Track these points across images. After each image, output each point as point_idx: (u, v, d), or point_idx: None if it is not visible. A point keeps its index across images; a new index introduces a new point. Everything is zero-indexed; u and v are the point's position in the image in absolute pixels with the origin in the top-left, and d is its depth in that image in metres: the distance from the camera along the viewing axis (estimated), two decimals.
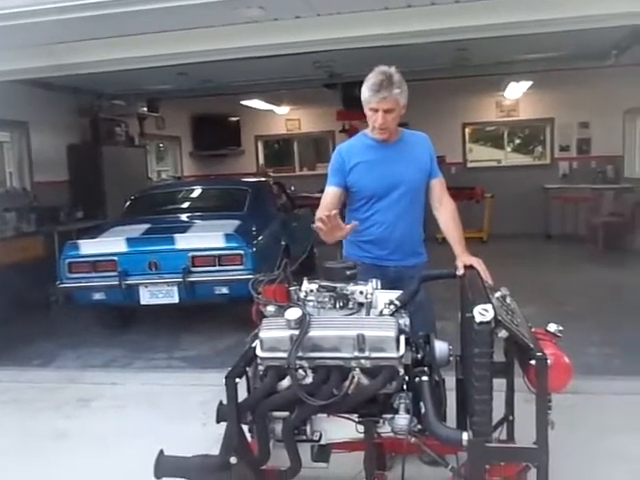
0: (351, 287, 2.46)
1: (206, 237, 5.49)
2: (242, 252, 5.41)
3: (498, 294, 2.47)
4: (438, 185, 3.19)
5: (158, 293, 5.51)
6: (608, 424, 3.63)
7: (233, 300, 5.47)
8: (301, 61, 6.29)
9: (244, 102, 11.40)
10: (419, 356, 2.36)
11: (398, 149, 3.12)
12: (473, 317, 2.05)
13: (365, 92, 2.94)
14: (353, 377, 2.18)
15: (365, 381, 2.19)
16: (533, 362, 2.05)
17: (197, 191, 7.38)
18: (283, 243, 6.46)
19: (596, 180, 11.32)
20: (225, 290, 5.42)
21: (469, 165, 12.55)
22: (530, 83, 10.13)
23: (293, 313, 2.23)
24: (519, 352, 2.26)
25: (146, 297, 5.53)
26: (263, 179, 7.77)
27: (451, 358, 2.46)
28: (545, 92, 11.27)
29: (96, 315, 6.29)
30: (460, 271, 2.80)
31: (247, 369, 2.31)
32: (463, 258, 2.85)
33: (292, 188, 9.16)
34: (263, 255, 5.57)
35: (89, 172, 8.89)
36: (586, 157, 11.87)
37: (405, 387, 2.25)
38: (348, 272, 2.48)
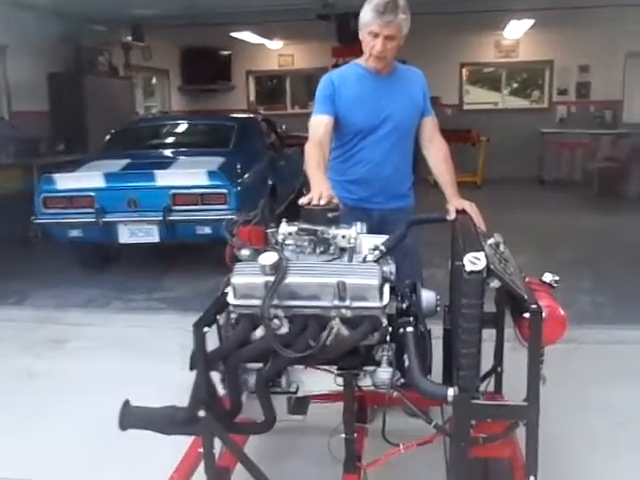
0: (333, 231, 2.27)
1: (188, 174, 5.25)
2: (226, 191, 5.18)
3: (491, 241, 2.30)
4: (430, 123, 2.96)
5: (138, 232, 5.31)
6: (597, 375, 3.53)
7: (216, 240, 5.21)
8: None
9: (234, 34, 10.96)
10: (404, 306, 2.19)
11: (391, 82, 2.88)
12: (463, 265, 1.87)
13: (367, 13, 2.65)
14: (332, 327, 2.01)
15: (345, 332, 2.02)
16: (527, 315, 1.89)
17: (182, 126, 7.06)
18: (270, 182, 6.23)
19: (594, 125, 11.13)
20: (208, 230, 5.22)
21: (465, 107, 12.25)
22: (532, 22, 9.72)
23: (268, 257, 2.03)
24: (511, 303, 2.10)
25: (125, 236, 5.33)
26: (251, 115, 7.46)
27: (438, 308, 2.30)
28: (545, 33, 10.90)
29: (75, 253, 6.07)
30: (451, 215, 2.62)
31: (218, 317, 2.14)
32: (454, 202, 2.66)
33: (283, 127, 8.88)
34: (248, 194, 5.35)
35: (71, 103, 8.53)
36: (585, 101, 11.68)
37: (388, 338, 2.09)
38: (330, 215, 2.28)
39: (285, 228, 2.31)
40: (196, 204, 5.21)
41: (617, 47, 10.42)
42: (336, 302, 2.00)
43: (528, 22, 9.76)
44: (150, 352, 4.01)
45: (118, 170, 5.45)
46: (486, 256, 1.90)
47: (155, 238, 5.32)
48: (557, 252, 6.30)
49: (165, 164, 5.60)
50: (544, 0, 7.90)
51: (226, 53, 12.60)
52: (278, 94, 13.88)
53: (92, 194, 5.25)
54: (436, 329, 2.36)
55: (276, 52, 12.73)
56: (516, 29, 10.54)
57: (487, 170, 11.19)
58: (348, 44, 7.52)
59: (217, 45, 12.17)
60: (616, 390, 3.33)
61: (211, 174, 5.17)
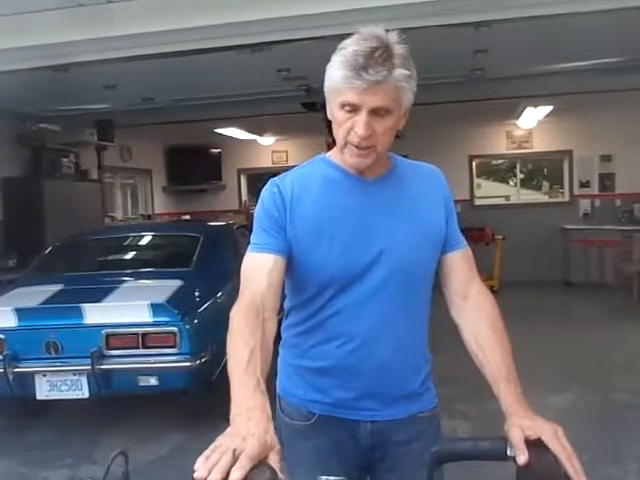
0: None
1: (125, 308, 3.95)
2: (175, 329, 3.89)
3: None
4: (461, 262, 1.64)
5: (61, 385, 3.98)
6: None
7: (165, 393, 3.98)
8: (263, 69, 4.84)
9: (219, 130, 10.01)
10: None
11: (386, 192, 1.59)
12: None
13: (337, 70, 1.42)
14: None
15: None
16: None
17: (138, 239, 5.75)
18: None
19: (622, 220, 9.99)
20: (153, 381, 3.90)
21: (477, 202, 11.16)
22: (550, 108, 8.74)
23: None
24: None
25: (44, 390, 4.00)
26: (225, 223, 6.24)
27: None
28: (562, 121, 10.02)
29: None
30: (520, 455, 1.27)
31: None
32: (523, 422, 1.29)
33: None
34: (208, 332, 4.04)
35: (27, 211, 7.42)
36: (610, 194, 10.57)
37: None
38: None
39: None
40: (137, 347, 3.91)
41: None
42: None
43: (545, 109, 8.75)
44: None
45: (37, 304, 4.17)
46: None
47: (84, 393, 3.99)
48: (610, 388, 4.95)
49: (103, 292, 4.29)
50: (562, 84, 6.88)
51: (215, 151, 11.74)
52: None
53: (0, 336, 3.98)
54: None
55: (269, 148, 11.84)
56: (531, 117, 9.56)
57: (505, 272, 10.00)
58: None
59: (205, 143, 11.31)
60: None
61: (155, 307, 3.88)
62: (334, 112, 1.48)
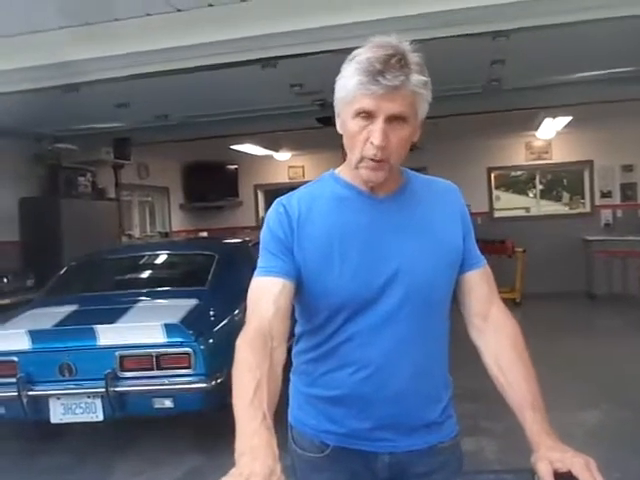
0: None
1: (139, 328, 3.88)
2: (190, 350, 3.82)
3: None
4: (481, 281, 1.55)
5: (75, 408, 3.92)
6: None
7: (180, 415, 3.91)
8: (276, 84, 4.80)
9: (235, 147, 10.00)
10: None
11: (399, 209, 1.50)
12: None
13: (351, 78, 1.35)
14: None
15: None
16: None
17: (153, 258, 5.71)
18: None
19: None
20: (168, 403, 3.84)
21: (496, 215, 11.02)
22: (569, 119, 8.61)
23: None
24: None
25: (58, 413, 3.94)
26: (240, 240, 6.15)
27: None
28: (581, 131, 9.87)
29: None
30: None
31: None
32: (552, 454, 1.21)
33: None
34: (223, 352, 3.95)
35: (44, 230, 7.43)
36: (632, 204, 10.38)
37: None
38: None
39: None
40: (151, 369, 3.85)
41: None
42: None
43: (564, 120, 8.62)
44: None
45: (50, 325, 4.13)
46: None
47: (98, 416, 3.92)
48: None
49: (117, 313, 4.24)
50: (581, 94, 6.76)
51: (232, 167, 11.71)
52: None
53: (14, 359, 3.94)
54: None
55: (285, 164, 11.80)
56: (550, 128, 9.43)
57: (527, 285, 9.85)
58: None
59: (221, 159, 11.29)
60: None
61: (169, 328, 3.82)
62: (347, 123, 1.41)
